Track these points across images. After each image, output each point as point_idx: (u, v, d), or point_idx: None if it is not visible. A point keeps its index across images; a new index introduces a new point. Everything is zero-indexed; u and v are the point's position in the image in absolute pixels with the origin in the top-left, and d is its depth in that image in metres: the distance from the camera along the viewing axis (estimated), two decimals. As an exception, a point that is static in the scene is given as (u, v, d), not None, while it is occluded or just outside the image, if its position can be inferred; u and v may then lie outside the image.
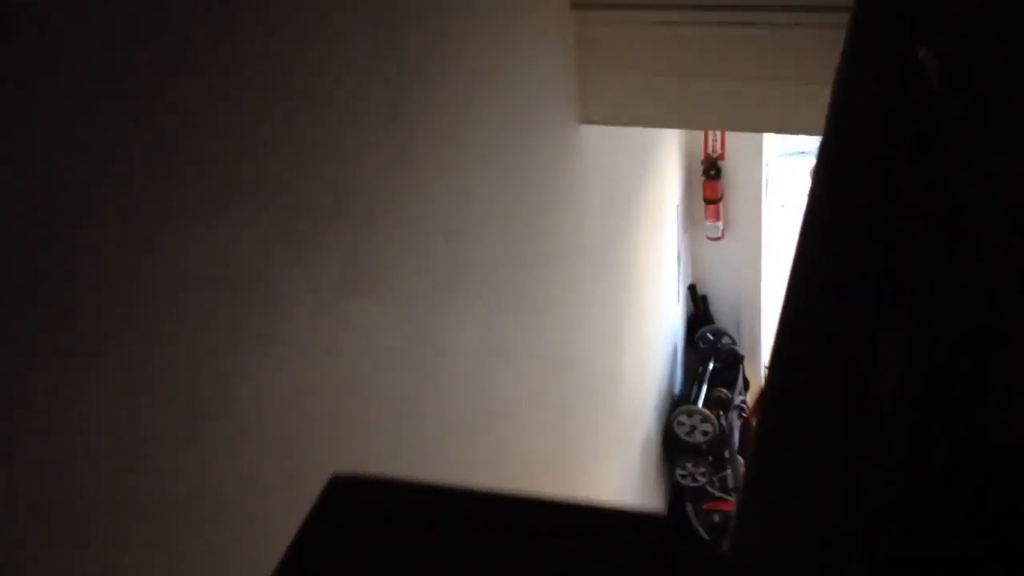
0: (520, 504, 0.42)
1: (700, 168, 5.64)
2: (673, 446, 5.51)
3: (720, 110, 3.03)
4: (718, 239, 5.85)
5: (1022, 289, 0.57)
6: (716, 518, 5.46)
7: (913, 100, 0.76)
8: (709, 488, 5.51)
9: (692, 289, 6.10)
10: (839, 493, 0.55)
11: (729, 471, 5.50)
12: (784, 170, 5.93)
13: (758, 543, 0.59)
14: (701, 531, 5.36)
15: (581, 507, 0.41)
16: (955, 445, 0.51)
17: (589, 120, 3.15)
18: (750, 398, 5.89)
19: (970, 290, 0.59)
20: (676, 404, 5.63)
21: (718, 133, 5.50)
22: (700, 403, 5.51)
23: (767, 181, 5.67)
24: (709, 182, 5.63)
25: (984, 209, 0.62)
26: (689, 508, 5.61)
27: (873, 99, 0.88)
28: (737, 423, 5.63)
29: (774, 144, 5.67)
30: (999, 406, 0.52)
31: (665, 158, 5.06)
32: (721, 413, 5.53)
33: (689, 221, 5.81)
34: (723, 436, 5.48)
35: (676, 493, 5.59)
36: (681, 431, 5.46)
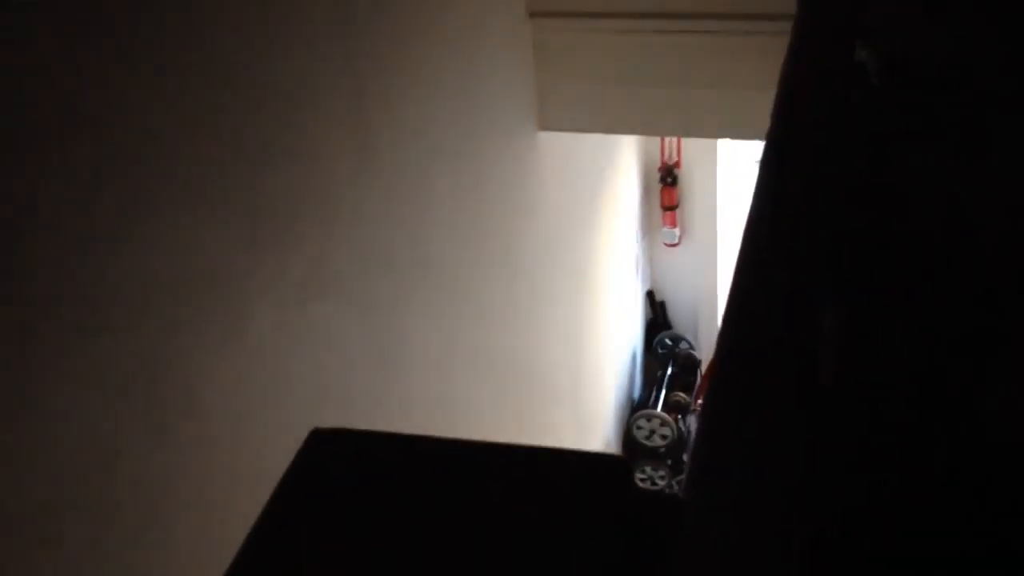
0: (486, 449, 0.45)
1: (657, 175, 5.71)
2: (633, 450, 5.55)
3: (676, 117, 3.08)
4: (675, 245, 5.92)
5: (1022, 289, 0.59)
6: (675, 521, 5.51)
7: (854, 97, 0.80)
8: (668, 491, 5.56)
9: (650, 295, 6.16)
10: (791, 487, 0.56)
11: (688, 474, 5.56)
12: (740, 177, 6.02)
13: (705, 540, 0.61)
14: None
15: (543, 449, 0.44)
16: (955, 445, 0.52)
17: (547, 127, 3.19)
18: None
19: (970, 289, 0.61)
20: (635, 408, 5.69)
21: (675, 141, 5.57)
22: (659, 407, 5.57)
23: (723, 188, 5.75)
24: (666, 189, 5.70)
25: (984, 208, 0.64)
26: (649, 511, 5.67)
27: (815, 97, 0.92)
28: (695, 427, 5.69)
29: (730, 152, 5.75)
30: (999, 406, 0.53)
31: (623, 165, 5.12)
32: (679, 417, 5.59)
33: (647, 228, 5.87)
34: (681, 440, 5.54)
35: (636, 497, 5.65)
36: (640, 435, 5.52)
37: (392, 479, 0.45)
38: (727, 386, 0.63)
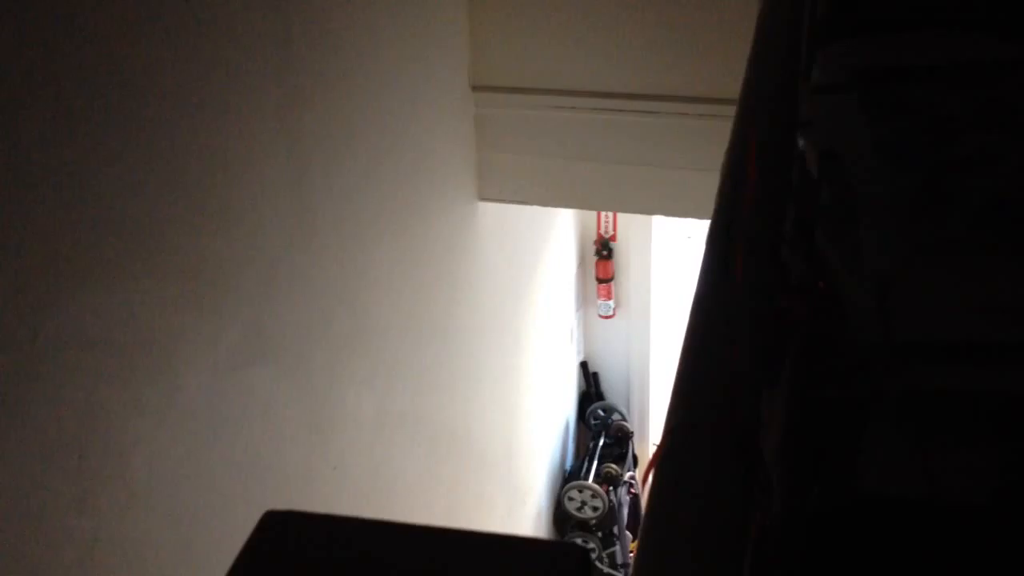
0: (444, 535, 0.45)
1: (593, 248, 5.79)
2: (564, 521, 5.53)
3: (612, 192, 3.15)
4: (610, 317, 5.98)
5: (889, 359, 0.63)
6: (605, 594, 5.48)
7: (794, 187, 0.84)
8: (598, 564, 5.53)
9: (584, 366, 6.19)
10: (729, 539, 0.59)
11: (618, 547, 5.54)
12: (675, 252, 6.14)
13: None
14: (590, 608, 5.37)
15: (501, 537, 0.45)
16: (829, 495, 0.56)
17: (487, 197, 3.23)
18: (639, 474, 5.97)
19: (843, 359, 0.65)
20: (567, 479, 5.67)
21: (611, 215, 5.67)
22: (591, 478, 5.57)
23: (657, 262, 5.85)
24: (601, 262, 5.78)
25: (853, 282, 0.69)
26: (579, 584, 5.63)
27: (757, 185, 0.96)
28: (626, 499, 5.69)
29: (665, 227, 5.87)
30: (872, 463, 0.57)
31: (560, 237, 5.19)
32: (611, 489, 5.59)
33: (582, 299, 5.93)
34: (612, 512, 5.53)
35: (566, 569, 5.61)
36: (572, 506, 5.50)
37: (349, 566, 0.45)
38: (670, 467, 0.65)
